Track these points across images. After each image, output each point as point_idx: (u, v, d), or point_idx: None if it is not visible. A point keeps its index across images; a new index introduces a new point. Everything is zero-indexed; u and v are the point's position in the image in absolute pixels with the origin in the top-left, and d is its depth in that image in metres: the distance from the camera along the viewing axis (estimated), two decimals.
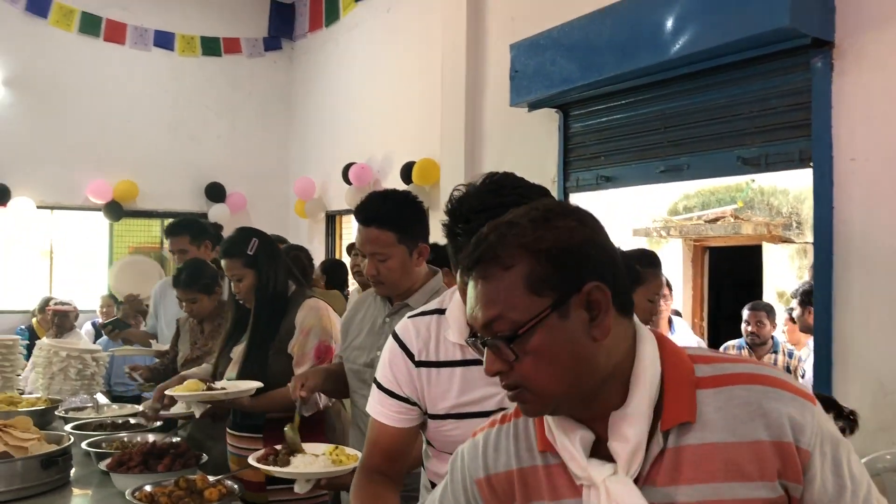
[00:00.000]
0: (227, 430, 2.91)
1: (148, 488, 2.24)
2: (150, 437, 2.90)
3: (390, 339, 1.70)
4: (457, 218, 1.46)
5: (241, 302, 2.89)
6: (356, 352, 2.35)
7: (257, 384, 2.67)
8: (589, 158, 4.67)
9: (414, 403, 1.65)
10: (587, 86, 4.29)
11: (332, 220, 8.31)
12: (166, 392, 2.86)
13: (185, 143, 8.50)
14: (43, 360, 4.10)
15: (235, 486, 2.30)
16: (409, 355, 1.64)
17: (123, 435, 2.96)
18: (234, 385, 2.72)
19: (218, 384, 2.75)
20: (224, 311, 3.56)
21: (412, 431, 1.68)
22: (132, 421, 3.27)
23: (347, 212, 7.71)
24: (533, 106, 4.80)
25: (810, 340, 4.97)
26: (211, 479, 2.30)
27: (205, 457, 2.63)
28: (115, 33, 8.13)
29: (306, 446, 2.18)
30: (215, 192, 8.60)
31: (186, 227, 4.24)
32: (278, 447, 2.17)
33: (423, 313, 1.69)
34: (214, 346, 3.44)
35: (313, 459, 2.09)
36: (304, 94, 8.86)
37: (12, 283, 7.91)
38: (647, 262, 3.02)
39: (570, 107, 4.72)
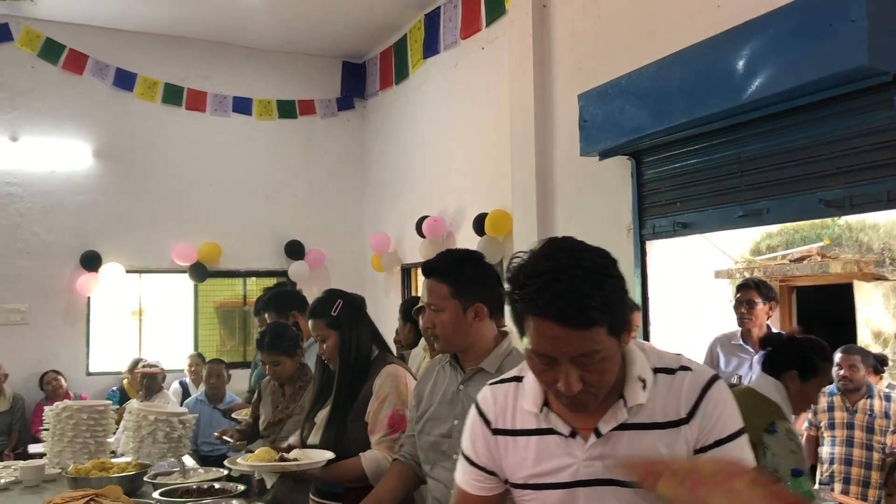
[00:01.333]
0: (311, 496, 2.93)
1: None
2: None
3: (473, 406, 1.70)
4: (514, 284, 1.45)
5: (326, 363, 2.93)
6: (431, 422, 2.33)
7: (329, 455, 2.68)
8: (664, 205, 4.59)
9: (492, 472, 1.64)
10: (659, 133, 4.24)
11: (407, 273, 8.38)
12: (238, 461, 2.90)
13: (264, 203, 8.76)
14: (132, 423, 4.21)
15: None
16: (487, 423, 1.64)
17: (209, 501, 3.00)
18: (306, 455, 2.74)
19: (291, 454, 2.77)
20: (304, 373, 3.60)
21: (494, 499, 1.67)
22: (217, 486, 3.32)
23: (422, 264, 7.76)
24: (604, 154, 4.77)
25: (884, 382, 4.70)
26: None
27: None
28: (196, 102, 8.50)
29: None
30: (294, 250, 8.80)
31: (271, 304, 4.36)
32: None
33: (501, 381, 1.68)
34: (296, 408, 3.47)
35: None
36: (376, 150, 9.04)
37: (104, 346, 8.21)
38: (823, 354, 2.92)
39: (643, 154, 4.67)
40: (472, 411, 1.69)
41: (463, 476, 1.70)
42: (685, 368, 1.53)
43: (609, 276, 1.40)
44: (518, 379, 1.65)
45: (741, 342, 4.53)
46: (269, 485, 2.71)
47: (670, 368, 1.53)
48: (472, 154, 6.97)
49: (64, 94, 7.98)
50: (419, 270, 8.17)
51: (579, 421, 1.53)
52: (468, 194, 6.98)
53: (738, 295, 4.52)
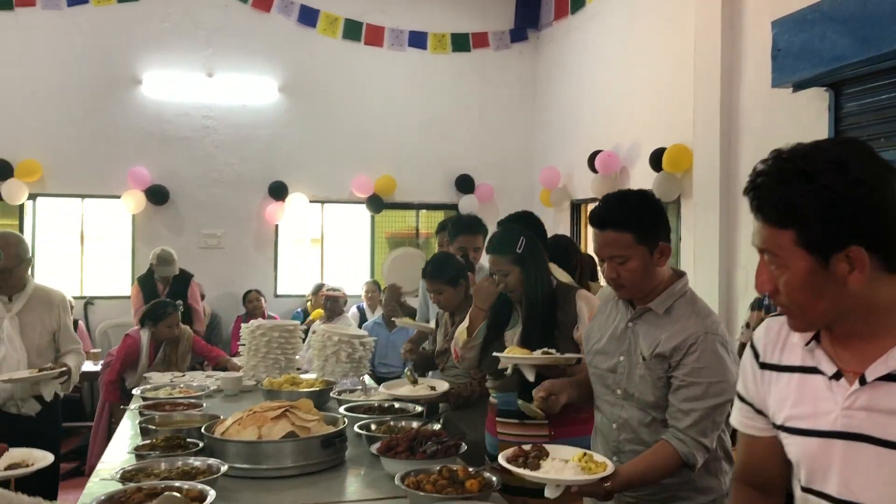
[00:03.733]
0: (497, 419, 3.03)
1: (413, 475, 2.38)
2: (414, 424, 3.08)
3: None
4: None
5: (509, 295, 2.96)
6: (599, 356, 2.35)
7: (579, 355, 2.67)
8: (865, 140, 4.22)
9: (759, 412, 1.53)
10: (864, 62, 3.89)
11: (576, 208, 8.29)
12: (499, 355, 2.84)
13: (437, 137, 8.90)
14: (318, 343, 4.52)
15: (494, 479, 2.37)
16: (756, 355, 1.54)
17: (389, 419, 3.17)
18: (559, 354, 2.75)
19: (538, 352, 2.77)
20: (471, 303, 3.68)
21: (766, 442, 1.54)
22: (396, 406, 3.50)
23: (592, 200, 7.64)
24: (798, 86, 4.45)
25: None
26: (471, 469, 2.39)
27: (464, 446, 2.74)
28: (375, 37, 8.70)
29: (556, 450, 2.18)
30: (465, 184, 8.92)
31: (483, 228, 4.33)
32: (527, 447, 2.19)
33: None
34: None
35: (562, 465, 2.07)
36: (549, 83, 8.90)
37: (290, 271, 8.78)
38: None
39: (843, 85, 4.31)
40: (749, 344, 1.60)
41: (735, 412, 1.61)
42: None
43: (811, 182, 1.29)
44: None
45: None
46: (531, 378, 2.75)
47: None
48: (650, 86, 6.71)
49: (253, 31, 8.41)
50: (590, 206, 8.06)
51: (849, 363, 1.35)
52: (645, 128, 6.75)
53: None
